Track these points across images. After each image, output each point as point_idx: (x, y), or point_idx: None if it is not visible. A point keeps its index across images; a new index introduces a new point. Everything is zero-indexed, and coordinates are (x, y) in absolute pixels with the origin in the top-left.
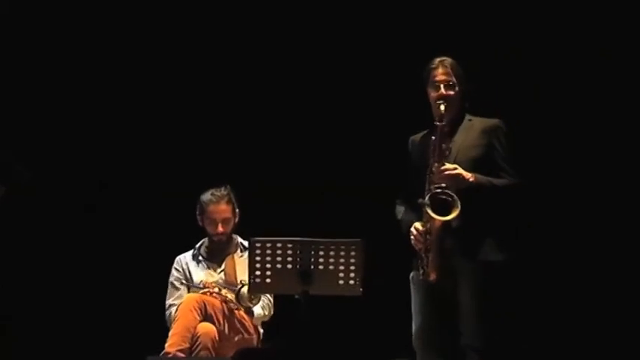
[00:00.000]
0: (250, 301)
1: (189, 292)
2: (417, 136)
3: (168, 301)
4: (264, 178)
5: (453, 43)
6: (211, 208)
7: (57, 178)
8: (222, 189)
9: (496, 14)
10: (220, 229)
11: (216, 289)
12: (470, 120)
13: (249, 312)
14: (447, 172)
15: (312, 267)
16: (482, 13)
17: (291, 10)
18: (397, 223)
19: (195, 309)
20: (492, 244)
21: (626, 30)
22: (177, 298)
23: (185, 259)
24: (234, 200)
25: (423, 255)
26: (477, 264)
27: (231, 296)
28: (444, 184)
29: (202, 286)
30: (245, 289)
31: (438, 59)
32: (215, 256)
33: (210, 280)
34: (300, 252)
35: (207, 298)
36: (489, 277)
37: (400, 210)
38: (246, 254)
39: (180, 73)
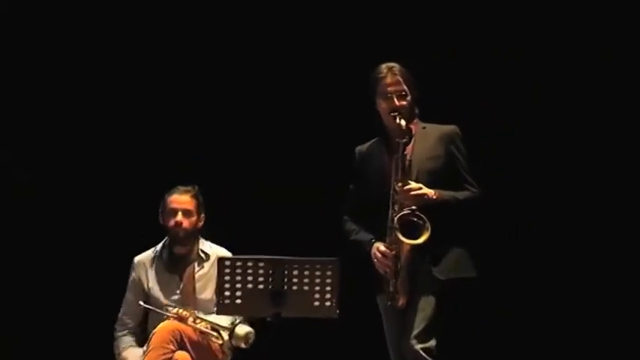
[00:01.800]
0: (246, 341)
1: (147, 304)
2: (365, 147)
3: (120, 316)
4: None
5: (453, 43)
6: (173, 197)
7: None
8: (190, 186)
9: (496, 14)
10: (179, 218)
11: (191, 319)
12: (424, 128)
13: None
14: (412, 193)
15: (285, 287)
16: (482, 13)
17: (286, 9)
18: (349, 243)
19: (171, 341)
20: (463, 260)
21: (626, 30)
22: (131, 316)
23: (144, 264)
24: (200, 200)
25: (391, 279)
26: (447, 282)
27: (206, 325)
28: (413, 206)
29: (170, 310)
30: (239, 329)
31: (385, 66)
32: (175, 264)
33: (171, 296)
34: (273, 271)
35: (182, 327)
36: (459, 293)
37: (351, 228)
38: (205, 265)
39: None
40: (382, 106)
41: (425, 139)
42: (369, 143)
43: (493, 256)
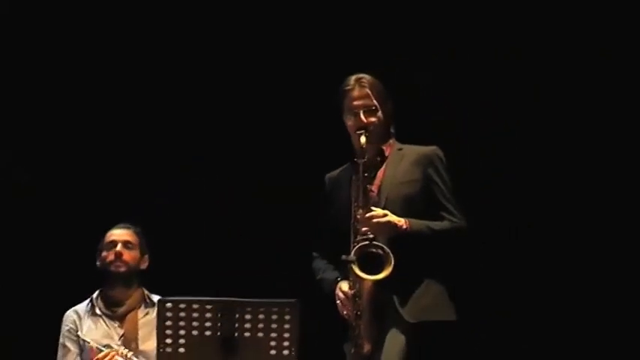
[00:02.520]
0: None
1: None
2: (334, 174)
3: None
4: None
5: (452, 43)
6: (113, 231)
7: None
8: (131, 224)
9: (496, 14)
10: (119, 248)
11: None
12: (400, 149)
13: None
14: (374, 220)
15: (237, 334)
16: (483, 12)
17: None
18: (316, 283)
19: None
20: (440, 300)
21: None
22: None
23: (77, 313)
24: (143, 239)
25: (353, 323)
26: (418, 326)
27: None
28: (371, 235)
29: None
30: None
31: (353, 78)
32: (115, 310)
33: (113, 344)
34: (222, 315)
35: None
36: (433, 340)
37: (319, 266)
38: (152, 312)
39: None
40: (349, 123)
41: (399, 162)
42: (340, 169)
43: (493, 256)
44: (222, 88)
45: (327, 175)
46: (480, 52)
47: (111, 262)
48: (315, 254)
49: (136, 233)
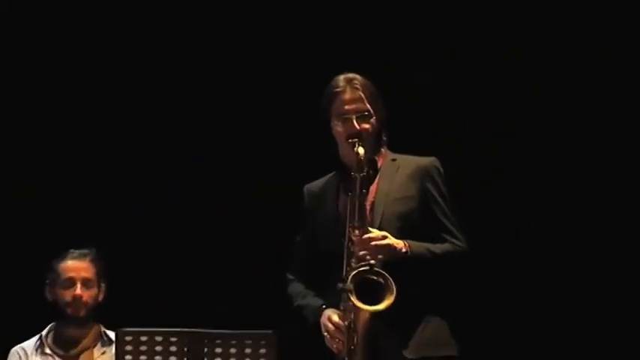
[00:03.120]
0: None
1: None
2: (315, 185)
3: None
4: None
5: (452, 43)
6: (68, 264)
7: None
8: (87, 249)
9: (496, 14)
10: (79, 291)
11: None
12: (393, 160)
13: None
14: (373, 244)
15: None
16: (483, 12)
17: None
18: (295, 310)
19: None
20: (441, 333)
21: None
22: None
23: (24, 351)
24: (99, 266)
25: (345, 358)
26: None
27: None
28: (371, 260)
29: None
30: None
31: (343, 78)
32: (68, 348)
33: None
34: (189, 348)
35: None
36: None
37: (297, 290)
38: (110, 350)
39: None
40: (338, 129)
41: (393, 175)
42: (322, 180)
43: (493, 256)
44: (222, 88)
45: (307, 187)
46: (479, 52)
47: (68, 305)
48: (290, 277)
49: (93, 263)
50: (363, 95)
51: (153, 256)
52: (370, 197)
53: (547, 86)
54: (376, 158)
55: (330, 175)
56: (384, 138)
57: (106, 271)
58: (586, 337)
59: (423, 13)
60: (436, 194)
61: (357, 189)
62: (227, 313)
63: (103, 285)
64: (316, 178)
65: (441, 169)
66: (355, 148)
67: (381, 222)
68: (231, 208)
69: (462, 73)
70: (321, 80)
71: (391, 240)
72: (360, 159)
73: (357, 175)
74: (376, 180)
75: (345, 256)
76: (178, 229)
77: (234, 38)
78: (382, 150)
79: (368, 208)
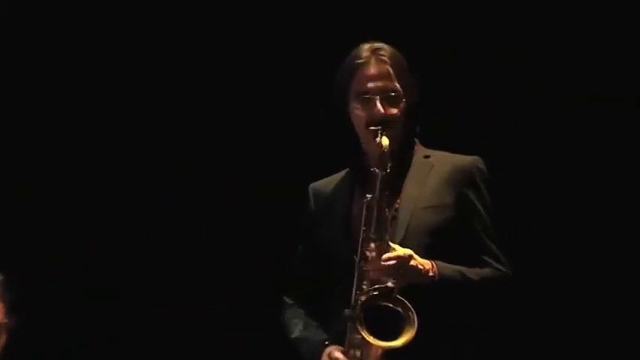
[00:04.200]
0: None
1: None
2: (323, 184)
3: None
4: None
5: (451, 43)
6: None
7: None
8: None
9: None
10: None
11: None
12: (426, 157)
13: None
14: (392, 263)
15: None
16: (483, 12)
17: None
18: (292, 344)
19: None
20: None
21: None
22: None
23: None
24: (7, 298)
25: None
26: None
27: None
28: (390, 284)
29: None
30: None
31: (368, 47)
32: None
33: None
34: None
35: None
36: None
37: (295, 320)
38: None
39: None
40: (357, 112)
41: (425, 176)
42: (332, 178)
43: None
44: (222, 87)
45: (313, 186)
46: (479, 52)
47: None
48: (288, 300)
49: (2, 298)
50: (391, 71)
51: (153, 256)
52: (394, 203)
53: (547, 86)
54: (405, 154)
55: (343, 172)
56: (417, 129)
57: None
58: (586, 337)
59: (423, 13)
60: (478, 204)
61: (378, 190)
62: (227, 313)
63: (6, 323)
64: (322, 177)
65: (486, 172)
66: (378, 138)
67: (405, 236)
68: (231, 208)
69: (462, 73)
70: (321, 81)
71: (418, 260)
72: (384, 152)
73: (378, 172)
74: (404, 183)
75: (355, 277)
76: (178, 229)
77: (234, 38)
78: (416, 145)
79: (390, 216)
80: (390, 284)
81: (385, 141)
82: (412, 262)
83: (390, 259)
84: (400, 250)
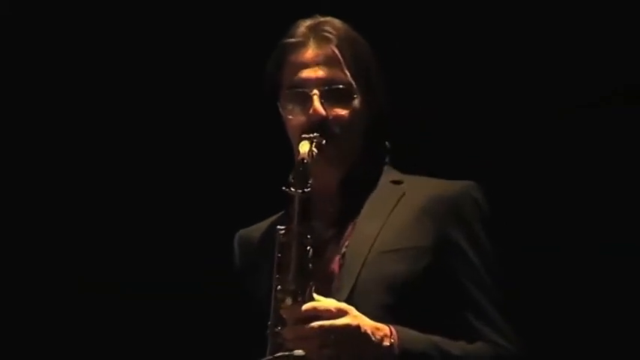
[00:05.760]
0: None
1: None
2: (255, 231)
3: None
4: None
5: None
6: None
7: None
8: None
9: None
10: None
11: None
12: (397, 183)
13: None
14: (315, 324)
15: None
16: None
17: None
18: None
19: None
20: None
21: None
22: None
23: None
24: None
25: None
26: None
27: None
28: (297, 351)
29: None
30: None
31: (305, 26)
32: None
33: None
34: None
35: None
36: None
37: None
38: None
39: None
40: (286, 114)
41: (390, 209)
42: (262, 224)
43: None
44: (222, 87)
45: (239, 235)
46: (479, 51)
47: None
48: None
49: None
50: (338, 54)
51: (152, 256)
52: (340, 245)
53: (547, 86)
54: (362, 175)
55: (276, 216)
56: (387, 143)
57: None
58: (586, 337)
59: (422, 13)
60: (469, 249)
61: (295, 217)
62: (227, 313)
63: None
64: None
65: (483, 204)
66: (300, 144)
67: (353, 290)
68: (231, 208)
69: (462, 73)
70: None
71: (362, 320)
72: (302, 161)
73: (294, 192)
74: (361, 212)
75: (268, 348)
76: (178, 229)
77: (234, 37)
78: (381, 164)
79: (335, 264)
80: (297, 352)
81: (304, 147)
82: (342, 321)
83: (309, 316)
84: (324, 301)
